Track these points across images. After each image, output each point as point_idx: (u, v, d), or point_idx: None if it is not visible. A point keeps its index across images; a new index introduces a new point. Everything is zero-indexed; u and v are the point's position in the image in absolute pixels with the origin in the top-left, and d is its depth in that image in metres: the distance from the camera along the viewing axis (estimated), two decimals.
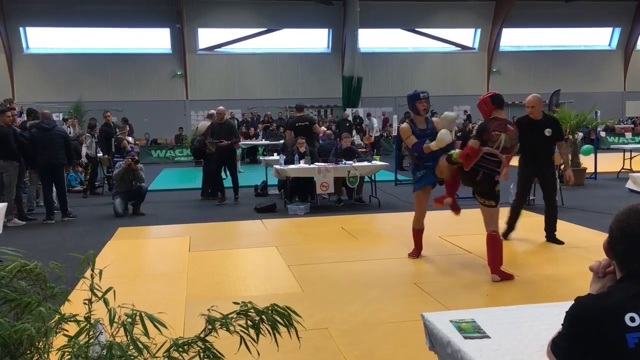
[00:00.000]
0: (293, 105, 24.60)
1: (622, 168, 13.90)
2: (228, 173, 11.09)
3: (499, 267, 5.52)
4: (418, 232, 6.43)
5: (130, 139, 14.24)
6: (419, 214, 6.35)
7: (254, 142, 20.08)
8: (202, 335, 1.87)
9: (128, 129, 13.63)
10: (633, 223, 1.69)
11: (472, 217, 8.52)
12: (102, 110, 18.14)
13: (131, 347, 1.71)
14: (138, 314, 1.77)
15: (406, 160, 16.87)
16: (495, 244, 5.50)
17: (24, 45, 23.84)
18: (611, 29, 27.86)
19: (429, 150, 5.87)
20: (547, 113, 7.17)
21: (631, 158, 14.16)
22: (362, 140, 20.14)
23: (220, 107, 11.01)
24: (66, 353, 1.76)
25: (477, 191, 5.61)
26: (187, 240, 7.50)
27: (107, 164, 12.75)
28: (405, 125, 6.15)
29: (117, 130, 13.19)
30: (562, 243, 6.82)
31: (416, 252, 6.43)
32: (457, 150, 5.69)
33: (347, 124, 20.20)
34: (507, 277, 5.48)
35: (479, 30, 26.77)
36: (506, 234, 7.01)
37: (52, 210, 9.29)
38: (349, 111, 22.35)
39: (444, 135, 5.74)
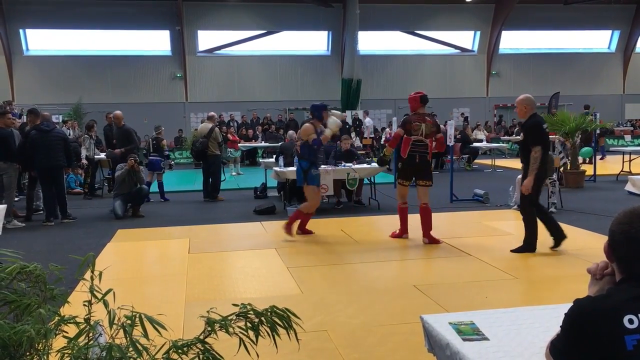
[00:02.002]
0: (292, 107, 24.84)
1: (622, 170, 13.91)
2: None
3: (429, 233, 7.04)
4: (309, 216, 7.72)
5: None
6: (315, 203, 7.67)
7: (253, 144, 20.10)
8: (201, 337, 1.87)
9: (163, 129, 13.55)
10: (637, 227, 1.69)
11: (471, 219, 8.55)
12: (101, 112, 18.17)
13: (130, 349, 1.72)
14: (137, 315, 1.78)
15: None
16: (427, 213, 7.06)
17: (24, 47, 23.85)
18: (610, 31, 27.88)
19: (327, 139, 7.50)
20: (535, 115, 6.31)
21: (630, 160, 14.17)
22: (361, 142, 20.16)
23: (117, 112, 10.79)
24: (66, 355, 1.77)
25: (418, 176, 7.10)
26: (186, 242, 7.51)
27: (107, 166, 12.76)
28: (309, 124, 7.48)
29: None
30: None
31: (306, 230, 7.74)
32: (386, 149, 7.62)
33: (347, 126, 20.17)
34: (435, 241, 7.00)
35: (478, 33, 26.80)
36: (556, 244, 6.56)
37: (52, 212, 9.29)
38: (347, 113, 22.34)
39: (333, 122, 7.37)
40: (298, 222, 7.65)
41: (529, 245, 6.46)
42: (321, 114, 7.47)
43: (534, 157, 6.11)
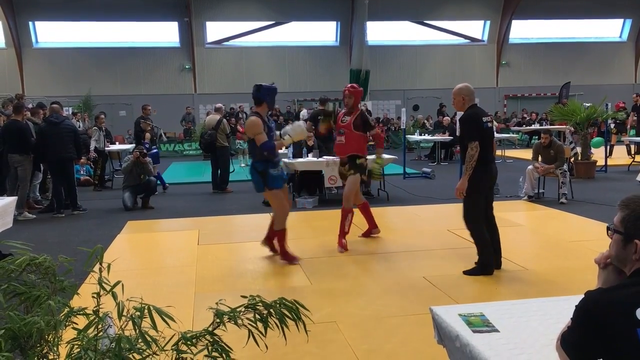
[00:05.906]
0: (301, 98, 24.79)
1: (633, 161, 13.79)
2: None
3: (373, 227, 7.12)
4: (285, 231, 6.04)
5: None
6: (284, 213, 6.02)
7: None
8: (210, 329, 1.87)
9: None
10: None
11: None
12: (111, 104, 18.22)
13: (140, 341, 1.72)
14: (146, 307, 1.78)
15: (414, 154, 16.83)
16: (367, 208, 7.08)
17: (33, 40, 23.95)
18: (622, 20, 27.58)
19: (282, 146, 6.36)
20: (474, 107, 5.35)
21: None
22: None
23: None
24: (75, 346, 1.78)
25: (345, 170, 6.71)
26: (196, 234, 7.53)
27: (117, 158, 12.82)
28: (256, 119, 5.85)
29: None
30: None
31: (291, 258, 6.02)
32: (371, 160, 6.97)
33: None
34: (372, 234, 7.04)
35: (488, 22, 26.59)
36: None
37: (62, 203, 9.35)
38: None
39: (298, 127, 6.26)
40: (286, 241, 6.09)
41: (483, 266, 5.43)
42: (273, 99, 6.15)
43: (469, 154, 5.12)
